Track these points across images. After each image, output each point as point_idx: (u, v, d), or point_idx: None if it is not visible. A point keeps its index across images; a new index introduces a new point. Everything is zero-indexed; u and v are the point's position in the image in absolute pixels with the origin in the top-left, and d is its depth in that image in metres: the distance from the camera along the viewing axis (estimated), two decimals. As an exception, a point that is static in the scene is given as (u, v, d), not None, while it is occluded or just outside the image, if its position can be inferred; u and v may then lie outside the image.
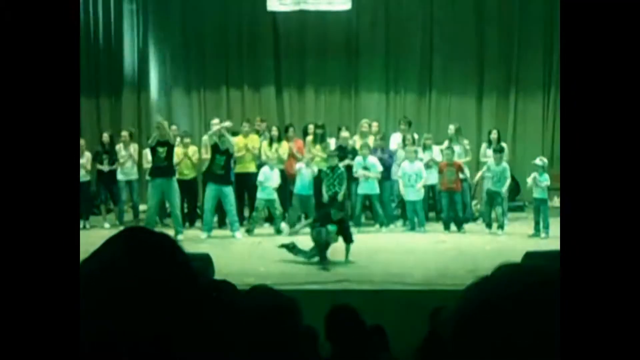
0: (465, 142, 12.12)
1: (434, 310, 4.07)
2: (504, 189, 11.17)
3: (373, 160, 11.26)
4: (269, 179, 11.00)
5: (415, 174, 11.24)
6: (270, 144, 11.78)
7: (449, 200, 11.31)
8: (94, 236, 10.22)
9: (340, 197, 11.03)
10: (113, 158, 11.88)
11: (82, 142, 11.69)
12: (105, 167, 11.84)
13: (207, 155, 11.40)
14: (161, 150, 10.62)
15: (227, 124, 11.15)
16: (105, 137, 12.24)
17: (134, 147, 11.94)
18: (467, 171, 11.89)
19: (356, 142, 11.95)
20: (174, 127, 12.25)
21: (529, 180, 10.90)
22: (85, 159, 11.72)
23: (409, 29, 14.15)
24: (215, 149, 10.86)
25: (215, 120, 11.09)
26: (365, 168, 11.21)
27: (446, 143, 11.98)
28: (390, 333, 4.41)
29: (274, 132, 11.94)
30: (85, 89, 13.63)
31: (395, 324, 4.76)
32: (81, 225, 11.53)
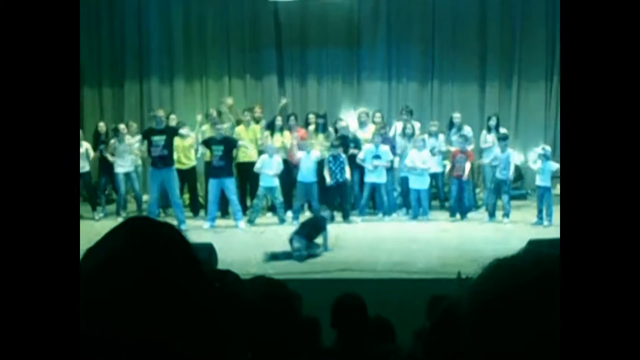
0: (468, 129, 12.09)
1: (432, 298, 4.06)
2: (511, 176, 11.13)
3: (385, 148, 11.24)
4: (267, 166, 10.96)
5: (422, 162, 11.23)
6: (273, 133, 11.75)
7: (459, 188, 11.27)
8: (99, 227, 10.23)
9: (348, 183, 11.11)
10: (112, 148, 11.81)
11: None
12: (109, 155, 11.70)
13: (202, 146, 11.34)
14: (158, 139, 10.57)
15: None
16: (102, 127, 12.20)
17: (129, 139, 11.69)
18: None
19: (357, 131, 11.94)
20: (173, 116, 12.23)
21: (534, 166, 10.89)
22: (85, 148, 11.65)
23: (410, 17, 14.08)
24: (210, 141, 10.84)
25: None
26: (377, 156, 11.20)
27: (454, 130, 11.95)
28: (393, 322, 4.41)
29: (278, 121, 11.91)
30: (87, 79, 13.63)
31: (399, 313, 4.77)
32: (92, 217, 11.46)
